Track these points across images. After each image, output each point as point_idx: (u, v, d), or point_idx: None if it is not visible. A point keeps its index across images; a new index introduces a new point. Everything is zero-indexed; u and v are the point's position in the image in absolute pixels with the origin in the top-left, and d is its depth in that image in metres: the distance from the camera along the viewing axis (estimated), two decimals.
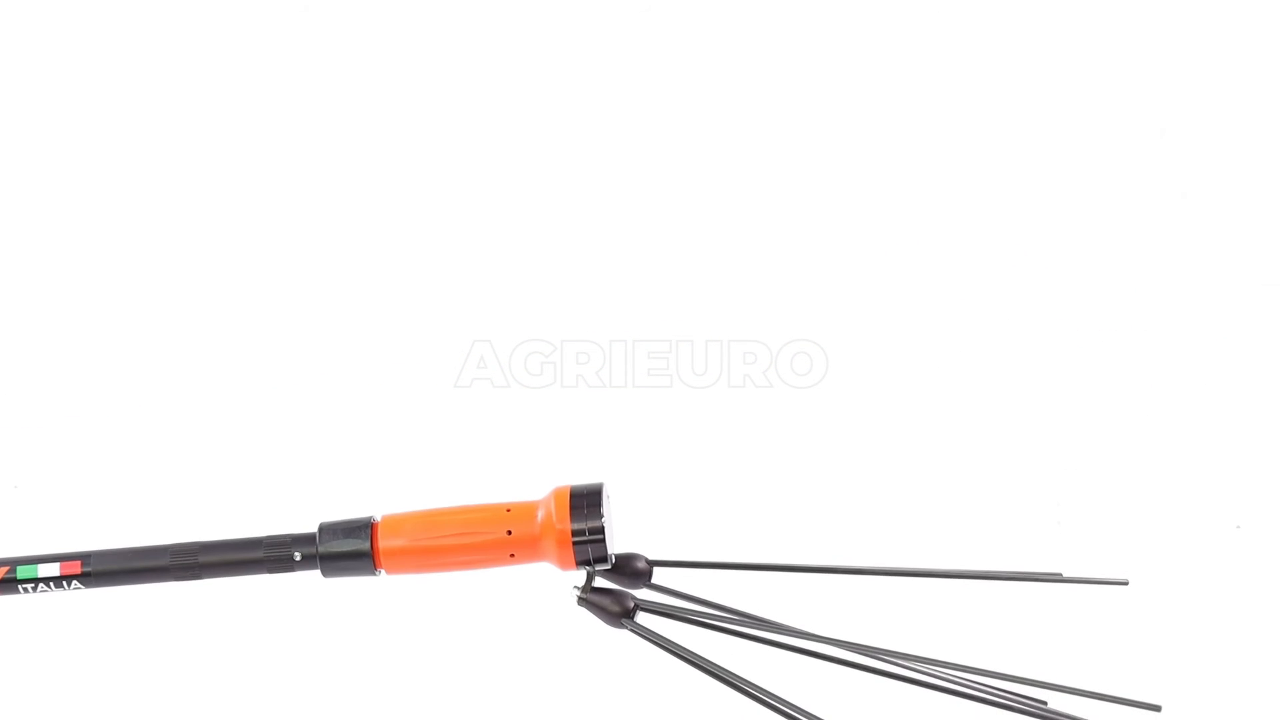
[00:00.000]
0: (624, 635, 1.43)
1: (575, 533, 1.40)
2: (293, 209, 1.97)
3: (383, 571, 1.43)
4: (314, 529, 1.43)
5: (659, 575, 1.47)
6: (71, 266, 1.95)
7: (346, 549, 1.42)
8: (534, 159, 1.98)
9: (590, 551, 1.40)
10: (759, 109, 1.98)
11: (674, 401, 1.88)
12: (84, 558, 1.45)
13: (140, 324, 1.94)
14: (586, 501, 1.40)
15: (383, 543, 1.42)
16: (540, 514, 1.41)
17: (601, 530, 1.40)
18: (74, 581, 1.44)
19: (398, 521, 1.43)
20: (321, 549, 1.43)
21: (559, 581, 1.44)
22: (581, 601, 1.43)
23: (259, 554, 1.43)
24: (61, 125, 1.99)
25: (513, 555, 1.42)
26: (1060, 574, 1.47)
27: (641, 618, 1.43)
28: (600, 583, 1.44)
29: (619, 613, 1.42)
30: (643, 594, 1.45)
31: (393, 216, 1.97)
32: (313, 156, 1.98)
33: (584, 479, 1.43)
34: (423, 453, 1.85)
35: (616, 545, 1.45)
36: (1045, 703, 1.44)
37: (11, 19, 1.99)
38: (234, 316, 1.94)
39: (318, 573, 1.44)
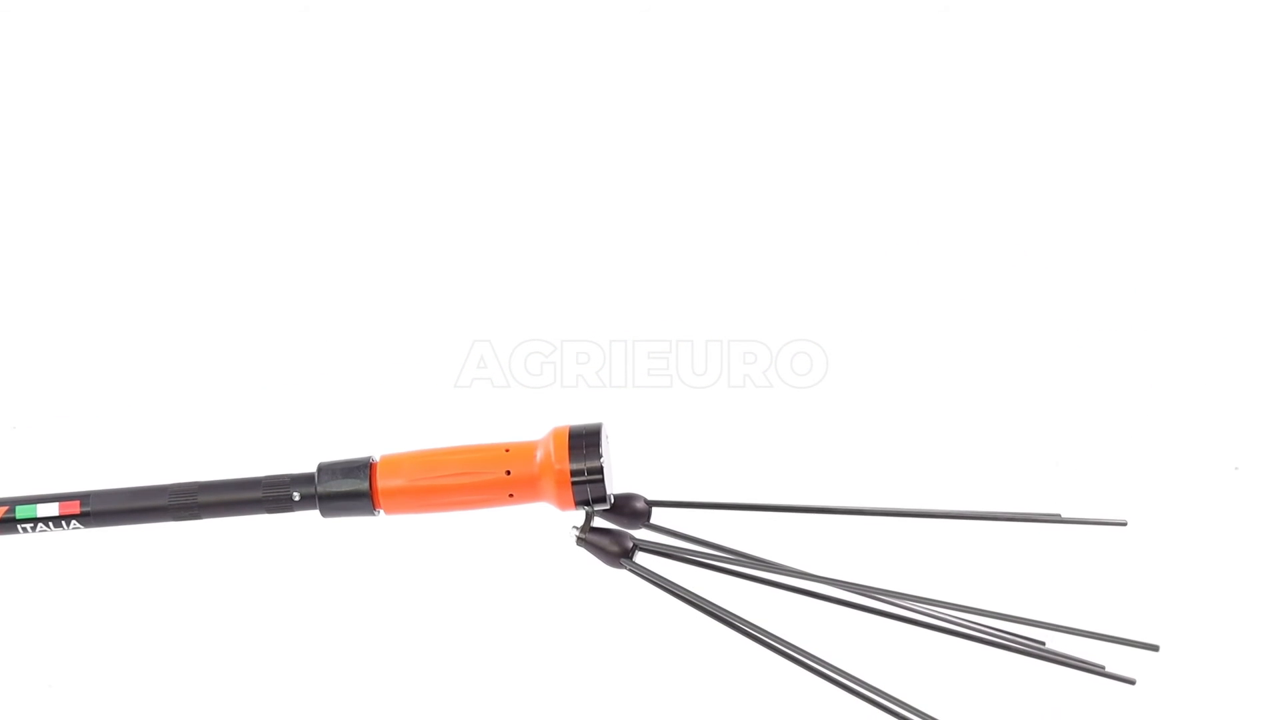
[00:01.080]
0: (622, 575, 1.43)
1: (574, 473, 1.40)
2: (293, 209, 1.98)
3: (381, 511, 1.43)
4: (313, 469, 1.44)
5: (658, 515, 1.47)
6: (74, 249, 1.96)
7: (345, 489, 1.43)
8: (534, 159, 1.99)
9: (589, 491, 1.40)
10: (758, 109, 2.00)
11: (674, 401, 1.88)
12: (83, 498, 1.45)
13: (144, 325, 1.93)
14: (585, 441, 1.41)
15: (381, 483, 1.42)
16: (539, 454, 1.42)
17: (600, 470, 1.40)
18: (73, 521, 1.45)
19: (396, 461, 1.43)
20: (320, 489, 1.43)
21: (558, 522, 1.44)
22: (580, 542, 1.43)
23: (258, 494, 1.44)
24: (62, 123, 2.00)
25: (511, 495, 1.42)
26: (1059, 515, 1.47)
27: (640, 558, 1.43)
28: (599, 523, 1.44)
29: (618, 553, 1.42)
30: (641, 534, 1.45)
31: (393, 217, 1.98)
32: (313, 156, 1.99)
33: (583, 419, 1.43)
34: None
35: (615, 486, 1.45)
36: (1043, 643, 1.44)
37: (11, 18, 2.01)
38: (235, 317, 1.94)
39: (316, 513, 1.44)
